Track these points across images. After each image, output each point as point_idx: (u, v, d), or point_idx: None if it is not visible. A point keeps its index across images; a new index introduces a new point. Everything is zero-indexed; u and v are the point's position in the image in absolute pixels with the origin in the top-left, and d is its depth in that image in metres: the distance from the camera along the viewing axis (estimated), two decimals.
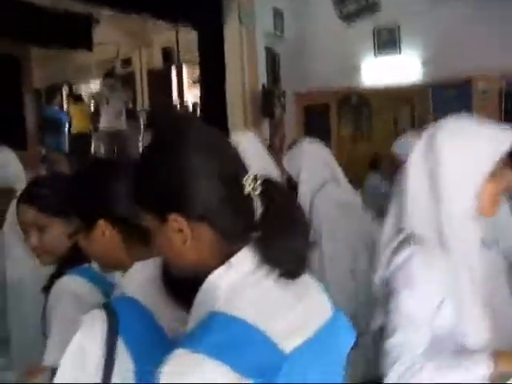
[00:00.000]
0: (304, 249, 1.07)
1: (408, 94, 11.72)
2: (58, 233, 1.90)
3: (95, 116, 10.17)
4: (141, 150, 12.08)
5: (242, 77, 10.21)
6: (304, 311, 1.05)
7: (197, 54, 10.41)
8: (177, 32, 11.84)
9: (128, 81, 12.41)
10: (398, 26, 11.22)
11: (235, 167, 1.13)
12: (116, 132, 8.32)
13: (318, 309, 1.11)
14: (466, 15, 10.40)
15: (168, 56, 13.84)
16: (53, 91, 11.42)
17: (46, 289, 1.77)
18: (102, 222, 1.42)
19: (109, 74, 8.58)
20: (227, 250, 1.08)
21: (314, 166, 3.23)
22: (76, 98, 10.31)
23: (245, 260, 1.05)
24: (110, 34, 12.16)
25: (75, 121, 9.99)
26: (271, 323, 0.96)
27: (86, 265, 1.71)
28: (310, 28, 11.86)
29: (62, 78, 15.96)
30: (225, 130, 10.20)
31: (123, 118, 8.49)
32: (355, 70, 12.02)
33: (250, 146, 3.14)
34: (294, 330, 0.99)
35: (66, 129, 10.02)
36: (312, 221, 3.12)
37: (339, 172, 3.33)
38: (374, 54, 11.88)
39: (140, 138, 12.15)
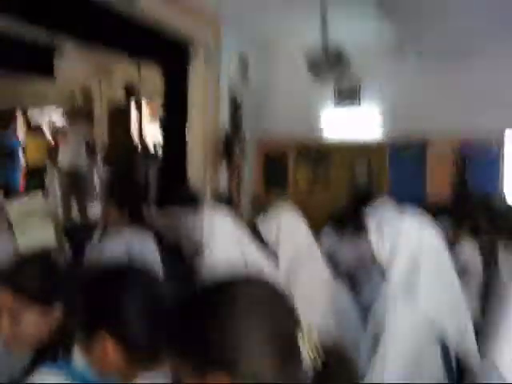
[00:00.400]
0: None
1: (366, 149, 11.90)
2: (34, 321, 1.65)
3: (53, 150, 9.85)
4: (97, 188, 11.93)
5: (205, 118, 10.17)
6: None
7: (158, 90, 10.30)
8: (139, 67, 11.72)
9: (87, 113, 12.16)
10: (360, 80, 11.42)
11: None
12: (75, 170, 8.03)
13: None
14: (428, 76, 10.71)
15: (129, 91, 13.68)
16: (7, 116, 10.99)
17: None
18: (103, 334, 1.28)
19: (70, 109, 8.32)
20: None
21: (291, 240, 3.14)
22: (33, 128, 9.84)
23: None
24: (72, 64, 11.95)
25: (31, 153, 9.54)
26: None
27: (63, 362, 1.48)
28: (273, 76, 12.00)
29: (16, 103, 15.56)
30: (183, 172, 10.13)
31: (83, 154, 8.22)
32: (316, 119, 12.16)
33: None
34: None
35: (20, 160, 9.60)
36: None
37: (315, 246, 3.25)
38: (334, 105, 12.05)
39: (96, 174, 11.89)
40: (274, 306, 1.07)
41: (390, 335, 2.19)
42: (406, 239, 2.29)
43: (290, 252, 3.11)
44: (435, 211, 5.21)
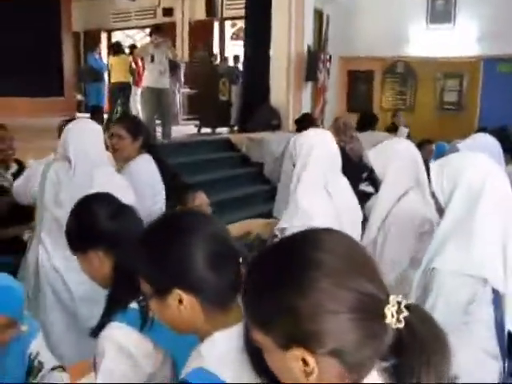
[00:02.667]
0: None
1: (458, 66, 11.25)
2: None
3: (137, 70, 9.92)
4: (178, 103, 12.01)
5: (288, 36, 9.86)
6: None
7: (239, 9, 10.06)
8: None
9: (169, 31, 12.11)
10: None
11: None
12: (159, 91, 8.05)
13: None
14: None
15: (211, 8, 13.46)
16: (92, 38, 11.14)
17: (96, 332, 1.56)
18: (178, 291, 1.20)
19: (156, 30, 8.23)
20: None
21: (402, 170, 2.93)
22: (116, 50, 9.92)
23: None
24: None
25: (114, 72, 9.70)
26: None
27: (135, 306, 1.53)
28: None
29: (100, 23, 15.74)
30: (266, 91, 10.01)
31: (167, 75, 8.18)
32: (405, 40, 11.54)
33: (325, 151, 2.93)
34: None
35: (106, 78, 9.76)
36: (386, 232, 2.90)
37: (425, 179, 2.98)
38: (426, 24, 11.36)
39: (178, 91, 11.95)
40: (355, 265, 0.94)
41: (436, 287, 2.04)
42: (466, 178, 2.08)
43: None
44: None
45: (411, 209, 2.85)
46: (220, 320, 1.20)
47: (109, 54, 9.99)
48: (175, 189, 3.84)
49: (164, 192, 3.68)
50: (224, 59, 12.89)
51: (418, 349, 0.89)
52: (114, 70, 9.59)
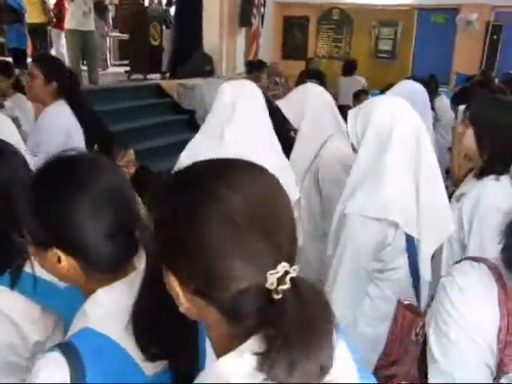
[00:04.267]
0: (325, 363, 0.80)
1: (393, 14, 11.25)
2: None
3: (58, 11, 9.36)
4: (106, 49, 11.54)
5: None
6: None
7: None
8: None
9: None
10: None
11: None
12: (84, 33, 7.65)
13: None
14: None
15: None
16: None
17: None
18: (55, 251, 1.07)
19: None
20: None
21: (319, 116, 2.79)
22: None
23: (249, 357, 0.80)
24: None
25: (28, 12, 9.02)
26: None
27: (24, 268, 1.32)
28: None
29: None
30: (198, 36, 9.72)
31: (91, 16, 7.77)
32: None
33: (250, 102, 2.47)
34: None
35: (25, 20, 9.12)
36: (318, 180, 2.79)
37: (343, 124, 2.85)
38: None
39: (107, 35, 11.45)
40: None
41: (346, 232, 2.03)
42: (375, 121, 2.04)
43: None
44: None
45: (337, 152, 2.75)
46: (107, 282, 1.09)
47: None
48: (100, 139, 3.65)
49: (83, 143, 3.49)
50: (155, 2, 12.40)
51: (280, 337, 0.78)
52: (27, 10, 8.98)
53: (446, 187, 2.24)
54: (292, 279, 0.79)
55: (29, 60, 9.62)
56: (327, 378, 0.80)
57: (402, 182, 2.03)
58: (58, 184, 1.07)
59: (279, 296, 0.78)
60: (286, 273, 0.79)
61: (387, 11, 11.23)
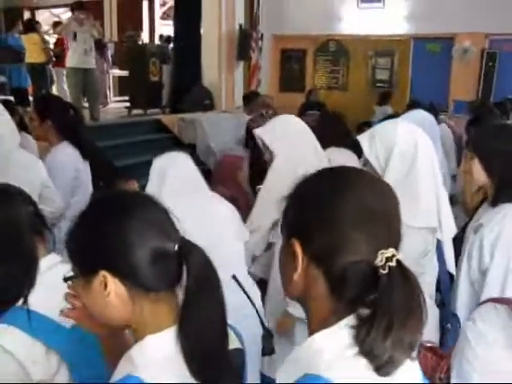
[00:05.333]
0: (414, 341, 0.91)
1: (389, 44, 11.38)
2: None
3: (59, 50, 9.47)
4: (106, 86, 11.65)
5: (219, 15, 9.70)
6: None
7: None
8: None
9: (96, 10, 11.67)
10: None
11: None
12: (84, 71, 7.74)
13: None
14: None
15: None
16: (14, 16, 10.43)
17: None
18: (103, 273, 1.09)
19: (78, 6, 7.85)
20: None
21: (296, 143, 2.75)
22: (28, 28, 9.28)
23: (347, 330, 0.92)
24: None
25: (27, 52, 9.10)
26: None
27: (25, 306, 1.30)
28: None
29: (22, 0, 14.99)
30: (197, 70, 9.81)
31: (92, 54, 7.86)
32: (336, 19, 11.56)
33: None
34: None
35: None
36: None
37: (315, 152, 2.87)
38: (357, 5, 11.41)
39: (107, 72, 11.58)
40: None
41: None
42: (400, 143, 2.21)
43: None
44: None
45: None
46: (152, 312, 1.11)
47: (21, 32, 9.40)
48: (104, 175, 3.66)
49: (90, 179, 3.50)
50: (153, 39, 12.59)
51: (381, 307, 0.89)
52: (27, 50, 9.09)
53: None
54: (398, 260, 0.92)
55: (31, 99, 9.76)
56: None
57: (432, 191, 2.24)
58: (107, 210, 1.16)
59: (386, 271, 0.90)
60: (394, 255, 0.92)
61: (383, 41, 11.37)
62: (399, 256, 0.93)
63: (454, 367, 1.21)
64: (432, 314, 2.25)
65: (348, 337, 0.90)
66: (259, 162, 2.69)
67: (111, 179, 3.41)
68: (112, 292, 1.09)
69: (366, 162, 2.29)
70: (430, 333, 2.10)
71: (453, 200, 4.37)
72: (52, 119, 3.30)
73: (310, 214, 1.00)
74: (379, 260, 0.91)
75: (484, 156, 2.28)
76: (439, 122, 5.87)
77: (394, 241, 0.97)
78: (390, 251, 0.92)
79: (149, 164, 7.76)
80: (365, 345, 0.87)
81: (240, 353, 1.25)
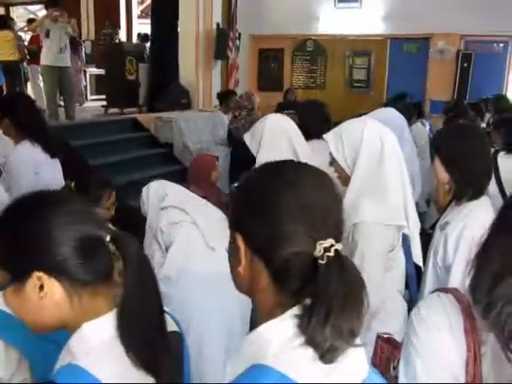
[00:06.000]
0: (355, 328, 0.93)
1: (366, 44, 11.45)
2: None
3: (34, 47, 9.33)
4: (82, 85, 11.55)
5: (197, 13, 9.65)
6: (342, 378, 0.93)
7: None
8: None
9: (73, 8, 11.54)
10: None
11: None
12: (59, 69, 7.66)
13: (355, 371, 0.97)
14: None
15: None
16: None
17: None
18: (37, 274, 1.07)
19: (52, 3, 7.73)
20: None
21: (274, 144, 2.73)
22: (1, 24, 9.08)
23: (291, 320, 0.94)
24: None
25: (0, 50, 8.93)
26: None
27: None
28: None
29: None
30: (174, 69, 9.76)
31: (67, 52, 7.77)
32: (314, 18, 11.61)
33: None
34: None
35: None
36: None
37: (300, 151, 2.88)
38: (335, 5, 11.47)
39: (81, 70, 11.47)
40: None
41: (363, 239, 2.18)
42: (366, 142, 2.23)
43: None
44: None
45: None
46: (88, 306, 1.11)
47: None
48: (77, 173, 3.62)
49: (57, 178, 3.47)
50: (131, 37, 12.51)
51: (320, 298, 0.91)
52: (0, 47, 8.93)
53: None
54: (336, 250, 0.94)
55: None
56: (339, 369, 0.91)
57: (399, 189, 2.28)
58: (30, 209, 1.12)
59: (324, 261, 0.93)
60: (332, 245, 0.94)
61: (360, 41, 11.45)
62: (338, 246, 0.95)
63: (402, 355, 1.23)
64: (400, 307, 2.33)
65: (293, 327, 0.92)
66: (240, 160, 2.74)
67: (84, 178, 3.38)
68: (49, 293, 1.07)
69: (334, 161, 2.31)
70: (396, 326, 2.15)
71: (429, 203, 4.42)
72: (10, 117, 3.29)
73: (248, 208, 1.02)
74: (318, 251, 0.93)
75: (443, 155, 2.32)
76: (414, 121, 5.93)
77: (334, 232, 0.98)
78: (329, 241, 0.94)
79: (125, 163, 7.69)
80: (307, 334, 0.90)
81: (177, 335, 1.26)
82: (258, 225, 0.99)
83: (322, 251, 0.93)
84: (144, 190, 2.86)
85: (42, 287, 1.07)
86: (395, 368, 1.39)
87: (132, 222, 2.77)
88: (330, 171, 2.29)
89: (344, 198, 2.19)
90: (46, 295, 1.07)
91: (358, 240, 2.18)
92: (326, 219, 0.99)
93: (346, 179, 2.29)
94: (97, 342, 1.07)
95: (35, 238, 1.08)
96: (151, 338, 1.10)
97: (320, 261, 0.93)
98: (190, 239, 2.63)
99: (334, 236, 0.97)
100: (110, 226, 3.10)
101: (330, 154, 2.32)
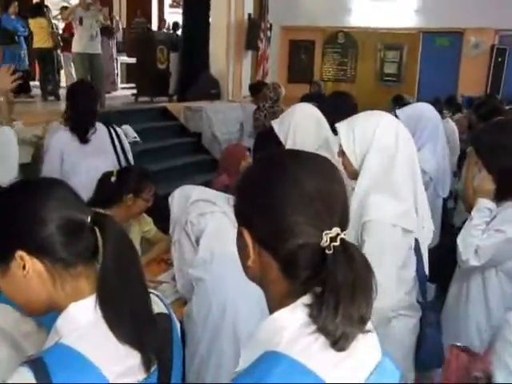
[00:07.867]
0: (365, 315, 0.94)
1: (398, 38, 11.32)
2: None
3: (67, 35, 9.45)
4: (115, 72, 11.65)
5: (228, 3, 9.69)
6: (354, 364, 0.95)
7: None
8: None
9: None
10: None
11: None
12: (90, 56, 7.74)
13: (367, 357, 0.99)
14: None
15: None
16: None
17: None
18: (20, 253, 1.10)
19: None
20: None
21: (303, 131, 2.74)
22: (35, 12, 9.17)
23: (302, 309, 0.95)
24: None
25: (34, 36, 9.03)
26: (330, 374, 0.91)
27: None
28: None
29: None
30: (205, 59, 9.80)
31: (98, 40, 7.85)
32: (346, 11, 11.50)
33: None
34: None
35: (23, 42, 9.10)
36: None
37: (331, 137, 2.86)
38: None
39: (114, 58, 11.55)
40: None
41: (379, 239, 2.08)
42: (378, 138, 2.12)
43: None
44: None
45: None
46: (72, 287, 1.13)
47: (28, 17, 9.30)
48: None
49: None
50: (162, 26, 12.55)
51: (330, 287, 0.92)
52: (34, 34, 9.04)
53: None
54: (342, 239, 0.95)
55: (33, 83, 9.74)
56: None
57: (409, 191, 2.16)
58: (16, 194, 1.16)
59: (331, 251, 0.93)
60: (338, 234, 0.95)
61: (392, 34, 11.32)
62: (343, 235, 0.95)
63: (495, 365, 1.23)
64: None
65: (304, 315, 0.93)
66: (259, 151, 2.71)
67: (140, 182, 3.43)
68: (30, 270, 1.10)
69: (343, 153, 2.21)
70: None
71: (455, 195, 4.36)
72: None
73: (250, 202, 1.03)
74: (324, 241, 0.94)
75: (481, 151, 2.26)
76: (444, 117, 5.85)
77: (339, 221, 0.98)
78: (334, 231, 0.95)
79: (154, 151, 7.69)
80: (318, 322, 0.91)
81: (165, 317, 1.27)
82: (262, 219, 0.99)
83: (329, 241, 0.94)
84: (169, 198, 2.84)
85: (24, 267, 1.10)
86: (477, 378, 1.37)
87: (168, 215, 2.79)
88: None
89: (352, 193, 2.14)
90: (28, 273, 1.10)
91: (366, 240, 2.10)
92: (331, 208, 0.98)
93: (352, 173, 2.20)
94: (83, 321, 1.10)
95: (17, 219, 1.11)
96: (134, 312, 1.12)
97: (327, 251, 0.93)
98: (221, 225, 2.64)
99: (340, 224, 0.97)
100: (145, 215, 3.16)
101: (340, 144, 2.23)
